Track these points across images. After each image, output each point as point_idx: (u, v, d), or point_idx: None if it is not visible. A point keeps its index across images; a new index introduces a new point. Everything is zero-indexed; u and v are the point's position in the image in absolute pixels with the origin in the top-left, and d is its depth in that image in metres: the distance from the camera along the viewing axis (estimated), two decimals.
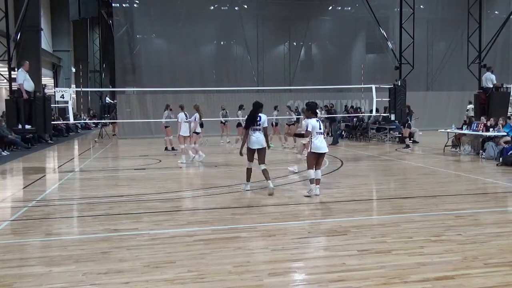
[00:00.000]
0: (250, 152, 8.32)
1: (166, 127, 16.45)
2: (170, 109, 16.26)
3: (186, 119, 13.35)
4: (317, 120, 8.04)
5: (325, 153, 8.10)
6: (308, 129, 7.96)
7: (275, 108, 17.63)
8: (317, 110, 14.00)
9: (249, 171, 8.45)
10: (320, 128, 7.97)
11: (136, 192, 8.70)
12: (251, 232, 5.79)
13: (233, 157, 14.79)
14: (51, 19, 34.77)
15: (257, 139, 8.21)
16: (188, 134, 13.35)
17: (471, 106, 25.16)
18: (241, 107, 17.76)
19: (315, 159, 7.97)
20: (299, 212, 7.07)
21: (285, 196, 8.10)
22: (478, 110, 16.25)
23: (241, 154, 8.50)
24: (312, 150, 7.94)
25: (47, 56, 30.84)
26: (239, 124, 17.47)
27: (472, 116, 24.44)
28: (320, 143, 7.92)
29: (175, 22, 26.56)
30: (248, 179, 8.50)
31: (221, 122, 18.88)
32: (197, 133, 13.21)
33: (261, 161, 8.26)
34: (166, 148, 16.32)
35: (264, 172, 8.21)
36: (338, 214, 6.76)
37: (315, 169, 7.99)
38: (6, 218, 6.78)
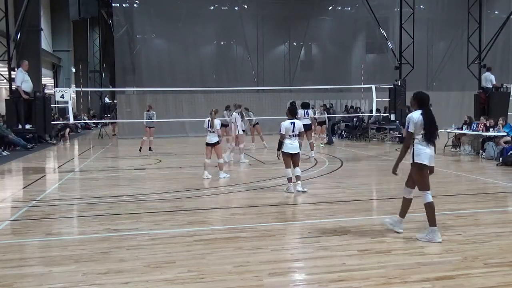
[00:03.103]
0: (424, 171, 5.31)
1: (147, 127, 15.94)
2: (149, 109, 16.03)
3: (242, 119, 13.15)
4: (291, 123, 8.29)
5: (297, 153, 8.38)
6: (282, 132, 8.28)
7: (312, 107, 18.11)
8: (310, 110, 13.92)
9: (408, 203, 5.58)
10: (293, 131, 8.24)
11: (136, 192, 8.70)
12: (251, 232, 5.79)
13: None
14: (51, 19, 34.75)
15: (431, 151, 5.35)
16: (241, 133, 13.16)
17: None
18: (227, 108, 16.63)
19: (289, 159, 8.30)
20: (299, 212, 7.07)
21: (285, 196, 8.10)
22: (478, 110, 16.25)
23: (395, 173, 5.54)
24: (283, 150, 8.26)
25: (47, 56, 30.82)
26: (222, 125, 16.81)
27: None
28: (290, 145, 8.23)
29: (175, 22, 26.55)
30: (404, 214, 5.61)
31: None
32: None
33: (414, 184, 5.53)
34: (150, 148, 15.70)
35: (408, 203, 5.62)
36: (338, 214, 6.76)
37: (294, 167, 8.38)
38: (6, 218, 6.78)
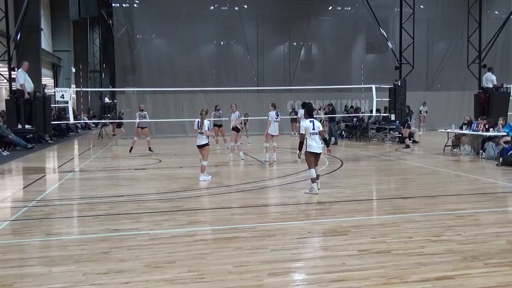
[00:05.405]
0: None
1: (138, 127, 16.00)
2: (141, 110, 16.05)
3: (277, 118, 13.04)
4: (310, 121, 8.21)
5: (320, 153, 8.29)
6: (301, 132, 8.24)
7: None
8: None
9: None
10: (313, 129, 8.14)
11: (136, 192, 8.70)
12: (251, 232, 5.79)
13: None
14: (51, 19, 34.76)
15: None
16: (277, 133, 13.04)
17: (423, 108, 25.92)
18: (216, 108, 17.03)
19: (313, 158, 8.19)
20: (299, 212, 7.07)
21: (285, 196, 8.10)
22: (478, 110, 16.24)
23: None
24: (307, 150, 8.14)
25: (47, 56, 30.83)
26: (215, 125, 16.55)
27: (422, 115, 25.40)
28: (316, 144, 8.13)
29: (175, 22, 26.54)
30: None
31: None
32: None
33: None
34: (149, 148, 15.83)
35: None
36: (338, 214, 6.76)
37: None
38: (6, 218, 6.78)
